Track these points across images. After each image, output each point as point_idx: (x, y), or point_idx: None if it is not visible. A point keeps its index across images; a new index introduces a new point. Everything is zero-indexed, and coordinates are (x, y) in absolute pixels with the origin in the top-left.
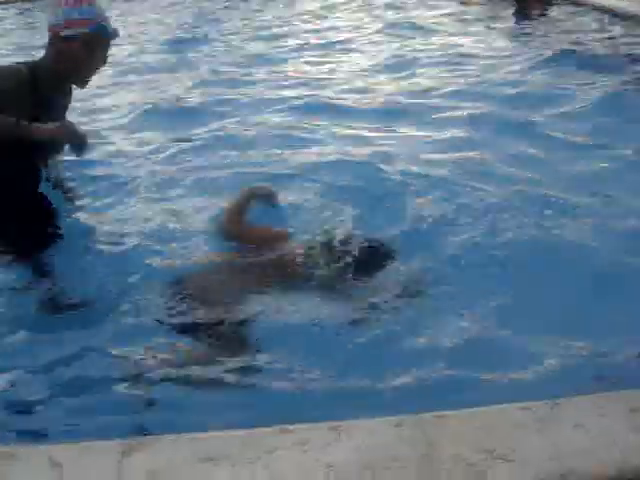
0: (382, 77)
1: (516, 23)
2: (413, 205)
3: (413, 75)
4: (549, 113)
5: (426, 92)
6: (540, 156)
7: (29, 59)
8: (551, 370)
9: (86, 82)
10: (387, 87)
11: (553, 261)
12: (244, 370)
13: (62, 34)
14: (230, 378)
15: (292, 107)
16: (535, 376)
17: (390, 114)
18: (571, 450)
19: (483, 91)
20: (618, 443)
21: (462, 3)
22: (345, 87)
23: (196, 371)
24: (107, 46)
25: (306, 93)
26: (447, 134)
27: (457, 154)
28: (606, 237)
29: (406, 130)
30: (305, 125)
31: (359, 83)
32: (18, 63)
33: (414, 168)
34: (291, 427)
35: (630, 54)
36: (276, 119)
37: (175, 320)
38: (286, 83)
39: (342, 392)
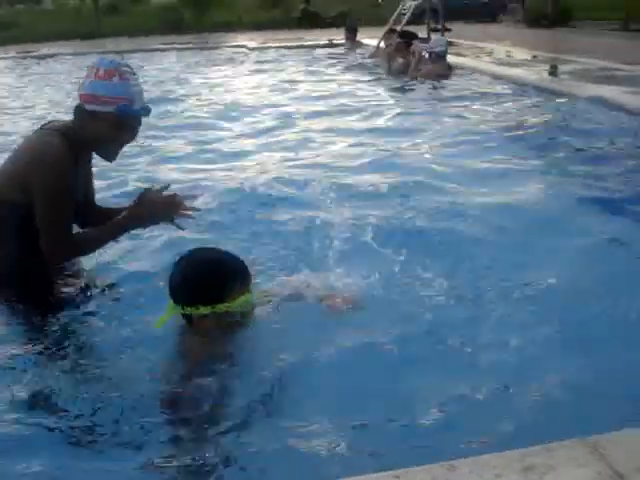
0: None
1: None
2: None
3: None
4: None
5: None
6: None
7: (57, 122)
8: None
9: (114, 157)
10: None
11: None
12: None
13: (87, 108)
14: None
15: None
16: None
17: None
18: None
19: None
20: None
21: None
22: None
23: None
24: (136, 126)
25: None
26: None
27: None
28: None
29: None
30: None
31: None
32: (52, 130)
33: None
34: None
35: None
36: None
37: None
38: None
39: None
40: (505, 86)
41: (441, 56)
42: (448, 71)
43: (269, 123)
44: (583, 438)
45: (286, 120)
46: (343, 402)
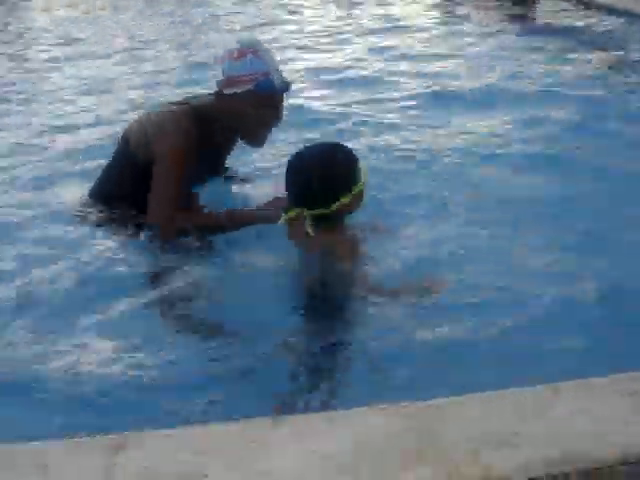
0: None
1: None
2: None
3: None
4: None
5: None
6: None
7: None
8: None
9: (261, 141)
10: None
11: None
12: (235, 362)
13: (225, 92)
14: (221, 370)
15: None
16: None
17: None
18: (573, 434)
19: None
20: (620, 428)
21: None
22: None
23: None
24: (278, 102)
25: None
26: None
27: None
28: None
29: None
30: None
31: None
32: (181, 103)
33: None
34: (285, 419)
35: None
36: None
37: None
38: None
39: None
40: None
41: None
42: None
43: None
44: None
45: None
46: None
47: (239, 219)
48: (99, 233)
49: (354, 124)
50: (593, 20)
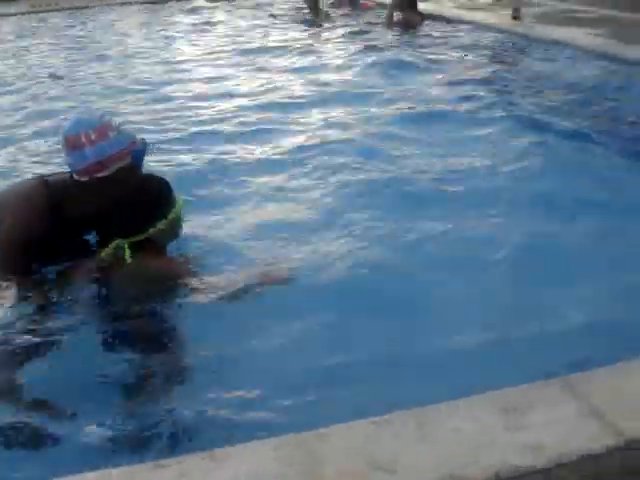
0: None
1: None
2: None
3: None
4: None
5: None
6: None
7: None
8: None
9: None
10: None
11: None
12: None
13: (96, 175)
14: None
15: None
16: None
17: None
18: (452, 455)
19: None
20: (496, 444)
21: None
22: None
23: None
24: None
25: None
26: None
27: None
28: None
29: None
30: None
31: None
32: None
33: None
34: (165, 461)
35: None
36: None
37: None
38: None
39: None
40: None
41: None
42: (418, 19)
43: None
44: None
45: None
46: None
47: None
48: None
49: None
50: None
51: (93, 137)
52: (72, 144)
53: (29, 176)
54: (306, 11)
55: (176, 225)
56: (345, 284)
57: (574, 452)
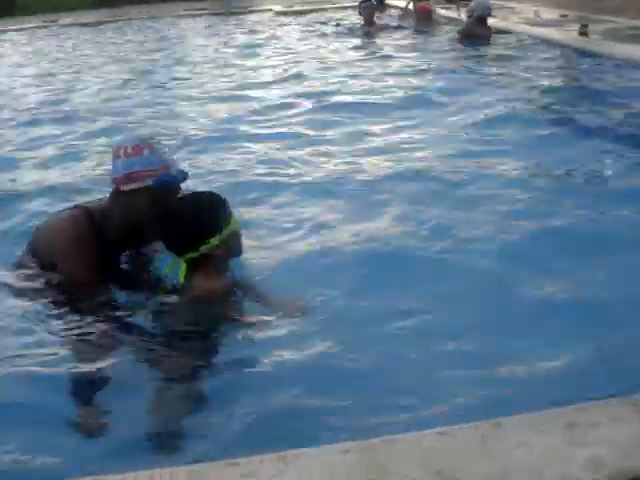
0: None
1: None
2: None
3: None
4: None
5: None
6: None
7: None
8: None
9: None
10: None
11: None
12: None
13: (123, 188)
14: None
15: None
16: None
17: None
18: (515, 467)
19: None
20: (559, 458)
21: None
22: None
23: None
24: (176, 193)
25: None
26: None
27: None
28: None
29: None
30: None
31: None
32: (75, 207)
33: None
34: (237, 460)
35: None
36: None
37: None
38: None
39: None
40: (539, 46)
41: (482, 19)
42: (488, 33)
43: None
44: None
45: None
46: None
47: None
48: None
49: None
50: None
51: (129, 151)
52: (114, 154)
53: None
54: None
55: (233, 242)
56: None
57: (637, 469)
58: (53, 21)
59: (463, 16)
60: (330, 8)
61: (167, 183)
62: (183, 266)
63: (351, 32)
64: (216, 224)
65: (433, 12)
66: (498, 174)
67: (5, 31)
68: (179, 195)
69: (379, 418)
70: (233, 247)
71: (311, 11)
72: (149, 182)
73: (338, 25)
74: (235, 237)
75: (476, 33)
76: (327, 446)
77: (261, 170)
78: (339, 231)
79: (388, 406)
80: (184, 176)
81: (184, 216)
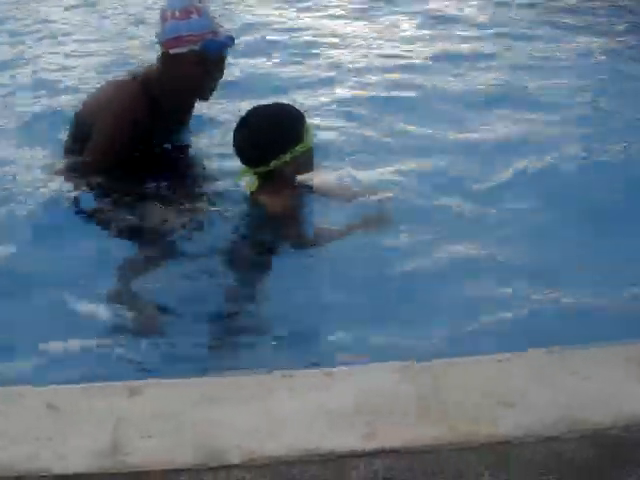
0: None
1: None
2: None
3: None
4: None
5: None
6: None
7: (138, 68)
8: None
9: (208, 95)
10: None
11: None
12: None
13: (171, 52)
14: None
15: None
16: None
17: None
18: (572, 397)
19: None
20: (616, 392)
21: None
22: None
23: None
24: (224, 57)
25: None
26: None
27: None
28: None
29: None
30: None
31: None
32: (126, 75)
33: None
34: (290, 372)
35: None
36: None
37: None
38: None
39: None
40: None
41: None
42: None
43: None
44: None
45: None
46: None
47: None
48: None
49: None
50: None
51: (177, 14)
52: (161, 16)
53: None
54: None
55: (306, 158)
56: None
57: None
58: None
59: None
60: None
61: (213, 48)
62: (255, 178)
63: None
64: (291, 139)
65: None
66: None
67: None
68: (257, 104)
69: (431, 344)
70: (305, 164)
71: None
72: (195, 47)
73: None
74: (308, 153)
75: None
76: (380, 363)
77: None
78: None
79: (439, 334)
80: (232, 41)
81: (262, 123)
